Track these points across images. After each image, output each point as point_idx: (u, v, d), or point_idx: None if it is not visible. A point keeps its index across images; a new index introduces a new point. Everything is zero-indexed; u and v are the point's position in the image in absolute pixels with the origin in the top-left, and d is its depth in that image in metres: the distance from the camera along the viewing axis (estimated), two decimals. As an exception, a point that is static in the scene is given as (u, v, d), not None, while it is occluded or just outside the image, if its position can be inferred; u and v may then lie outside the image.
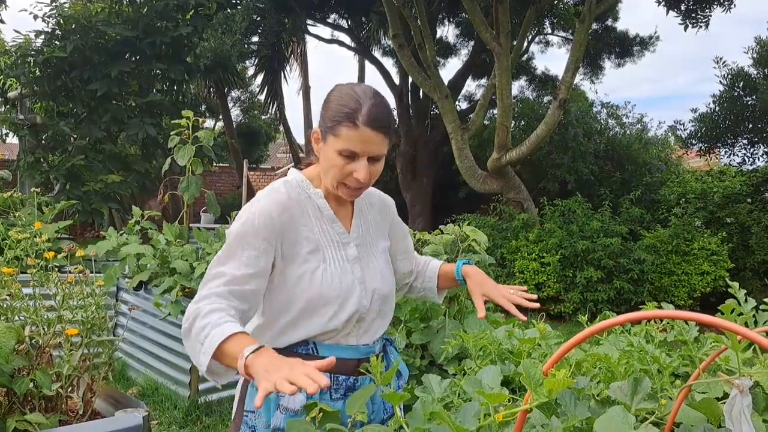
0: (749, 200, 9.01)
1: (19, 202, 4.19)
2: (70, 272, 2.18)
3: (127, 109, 9.22)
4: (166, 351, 4.20)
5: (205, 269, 3.61)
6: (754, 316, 2.43)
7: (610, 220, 8.41)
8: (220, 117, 14.90)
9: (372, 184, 1.55)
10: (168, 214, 8.49)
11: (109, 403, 2.21)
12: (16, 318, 2.16)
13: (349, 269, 1.57)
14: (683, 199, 8.93)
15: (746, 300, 2.37)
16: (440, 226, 3.20)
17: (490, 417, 1.64)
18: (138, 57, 9.32)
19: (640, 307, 3.06)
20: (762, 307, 2.48)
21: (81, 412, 2.17)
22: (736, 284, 2.42)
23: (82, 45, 8.63)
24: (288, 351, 1.51)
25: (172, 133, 4.28)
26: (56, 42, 8.80)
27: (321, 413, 1.47)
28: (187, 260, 3.76)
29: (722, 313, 2.40)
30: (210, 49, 9.76)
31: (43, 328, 2.14)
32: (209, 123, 16.91)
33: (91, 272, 2.41)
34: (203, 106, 11.71)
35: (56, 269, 2.19)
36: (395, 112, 13.88)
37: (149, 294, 4.09)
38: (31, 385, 2.04)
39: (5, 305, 2.13)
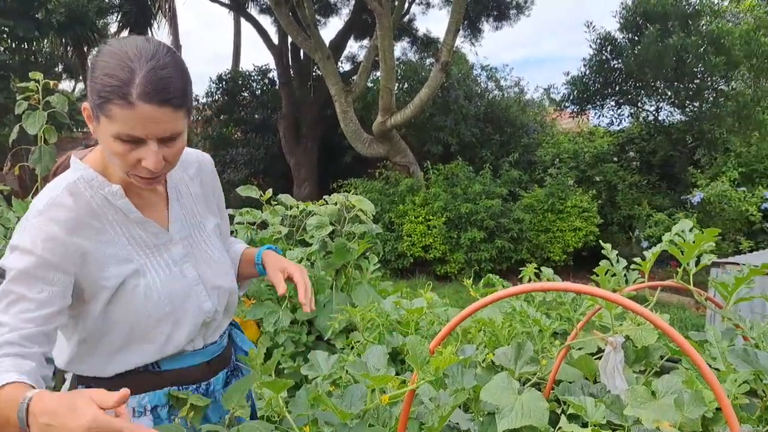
0: (616, 159, 9.65)
1: None
2: None
3: (-32, 71, 8.19)
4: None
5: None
6: (625, 275, 2.56)
7: (491, 183, 8.71)
8: (81, 78, 13.66)
9: (174, 164, 1.22)
10: (26, 188, 7.72)
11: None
12: None
13: (179, 274, 1.31)
14: (557, 160, 9.41)
15: (618, 260, 2.48)
16: (324, 196, 3.09)
17: (376, 399, 1.59)
18: (-21, 12, 8.26)
19: (520, 268, 3.14)
20: (632, 267, 2.60)
21: None
22: (608, 245, 2.51)
23: None
24: (123, 374, 1.28)
25: (19, 97, 3.80)
26: None
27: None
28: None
29: (596, 275, 2.48)
30: (64, 3, 8.81)
31: None
32: (68, 85, 15.47)
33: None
34: (60, 67, 10.65)
35: None
36: (275, 73, 13.42)
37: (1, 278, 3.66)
38: None
39: None
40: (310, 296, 1.43)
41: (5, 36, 8.55)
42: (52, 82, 3.78)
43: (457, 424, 1.75)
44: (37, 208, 1.18)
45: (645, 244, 7.71)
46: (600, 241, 2.50)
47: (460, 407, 1.86)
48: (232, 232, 3.05)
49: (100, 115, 1.11)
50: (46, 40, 9.33)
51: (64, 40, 11.33)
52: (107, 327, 1.23)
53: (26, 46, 8.67)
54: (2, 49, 8.49)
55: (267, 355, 1.68)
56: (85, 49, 12.34)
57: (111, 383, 1.24)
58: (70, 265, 1.16)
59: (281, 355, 2.62)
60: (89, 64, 1.17)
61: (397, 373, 1.94)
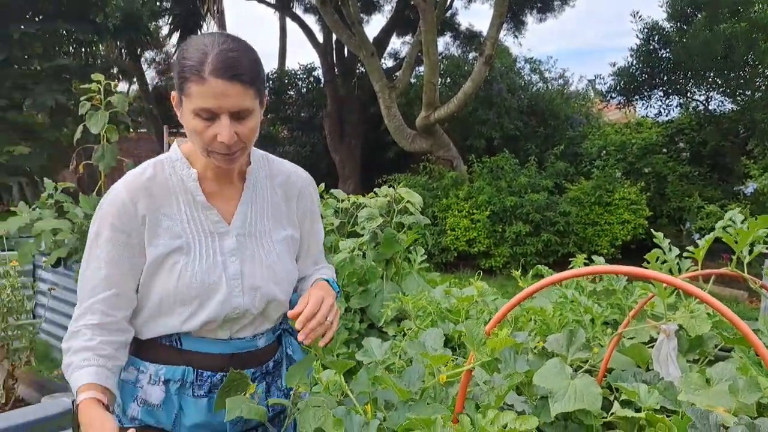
0: (665, 150, 9.45)
1: None
2: (-23, 254, 2.02)
3: (32, 74, 8.55)
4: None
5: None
6: (678, 263, 2.55)
7: (537, 175, 8.65)
8: (135, 80, 14.12)
9: (248, 145, 1.31)
10: (84, 186, 8.05)
11: (35, 389, 2.11)
12: None
13: (220, 264, 1.35)
14: (604, 152, 9.28)
15: (670, 249, 2.48)
16: (375, 189, 3.16)
17: (434, 378, 1.65)
18: (41, 17, 8.61)
19: (570, 260, 3.15)
20: (685, 254, 2.60)
21: (3, 401, 2.05)
22: (660, 234, 2.52)
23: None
24: (152, 341, 1.39)
25: (82, 98, 4.00)
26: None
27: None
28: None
29: (648, 262, 2.49)
30: (119, 7, 9.16)
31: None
32: (123, 86, 16.01)
33: (3, 251, 2.25)
34: (115, 69, 11.06)
35: (-39, 252, 2.02)
36: (320, 71, 13.57)
37: (69, 270, 3.87)
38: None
39: None
40: (312, 326, 1.32)
41: (66, 40, 8.92)
42: (113, 83, 3.95)
43: (512, 405, 1.80)
44: (120, 182, 1.34)
45: (696, 236, 7.53)
46: (650, 232, 2.49)
47: (513, 390, 1.91)
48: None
49: (182, 97, 1.24)
50: (102, 44, 9.70)
51: (119, 43, 11.74)
52: (144, 294, 1.34)
53: (84, 50, 9.02)
54: (63, 52, 8.85)
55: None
56: (138, 51, 12.76)
57: (143, 347, 1.39)
58: (134, 228, 1.30)
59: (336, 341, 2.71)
60: (175, 58, 1.29)
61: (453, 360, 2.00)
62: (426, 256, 3.39)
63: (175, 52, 16.28)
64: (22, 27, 8.14)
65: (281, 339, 1.56)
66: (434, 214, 8.64)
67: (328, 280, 1.52)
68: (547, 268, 2.80)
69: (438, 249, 8.40)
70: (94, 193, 4.09)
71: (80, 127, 4.09)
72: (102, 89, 3.94)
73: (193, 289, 1.32)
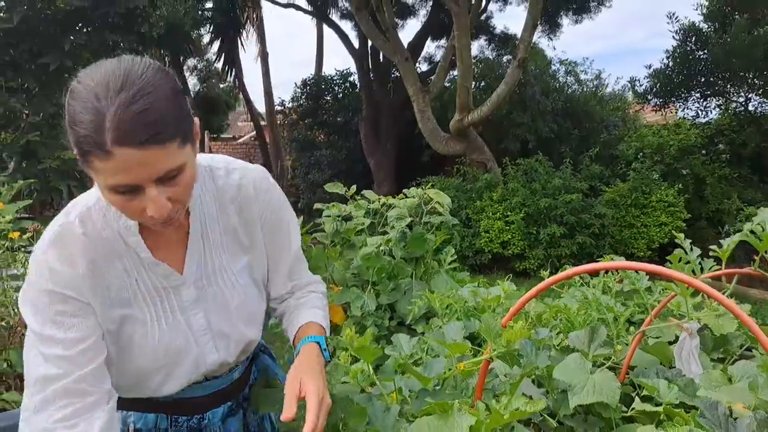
0: (704, 152, 9.30)
1: (-26, 183, 4.10)
2: (36, 252, 2.19)
3: (81, 83, 8.94)
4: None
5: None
6: (700, 263, 2.59)
7: (571, 177, 8.61)
8: (177, 88, 14.55)
9: (185, 203, 1.04)
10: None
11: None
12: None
13: (182, 322, 1.16)
14: (641, 154, 9.18)
15: (692, 249, 2.52)
16: (404, 190, 3.27)
17: (453, 370, 1.74)
18: (90, 28, 9.01)
19: (601, 260, 3.19)
20: (711, 253, 2.63)
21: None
22: (681, 235, 2.56)
23: (29, 16, 8.29)
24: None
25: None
26: (1, 14, 8.45)
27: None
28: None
29: (671, 263, 2.55)
30: (163, 18, 9.51)
31: (13, 309, 2.16)
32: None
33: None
34: (159, 77, 11.45)
35: (22, 249, 2.19)
36: (355, 76, 13.72)
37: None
38: (5, 365, 2.06)
39: (-29, 288, 2.14)
40: None
41: (113, 50, 9.29)
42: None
43: (531, 396, 1.88)
44: (46, 240, 1.07)
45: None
46: (684, 235, 2.52)
47: (533, 383, 1.99)
48: (318, 227, 3.26)
49: (85, 167, 0.94)
50: (147, 53, 10.08)
51: (162, 52, 12.17)
52: (107, 362, 1.10)
53: (129, 59, 9.41)
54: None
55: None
56: (181, 59, 13.18)
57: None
58: (83, 294, 1.06)
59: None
60: (65, 113, 0.94)
61: (474, 355, 2.08)
62: (456, 257, 3.47)
63: (216, 59, 16.49)
64: (72, 38, 8.52)
65: (253, 359, 1.44)
66: (468, 216, 8.68)
67: (319, 342, 1.28)
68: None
69: (472, 251, 8.44)
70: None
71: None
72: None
73: (159, 359, 1.14)
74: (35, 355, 1.02)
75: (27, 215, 4.80)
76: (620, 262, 2.12)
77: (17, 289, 2.22)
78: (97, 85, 0.90)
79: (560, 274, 1.76)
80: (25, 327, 2.17)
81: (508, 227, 8.30)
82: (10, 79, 8.80)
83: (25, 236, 2.42)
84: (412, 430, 1.30)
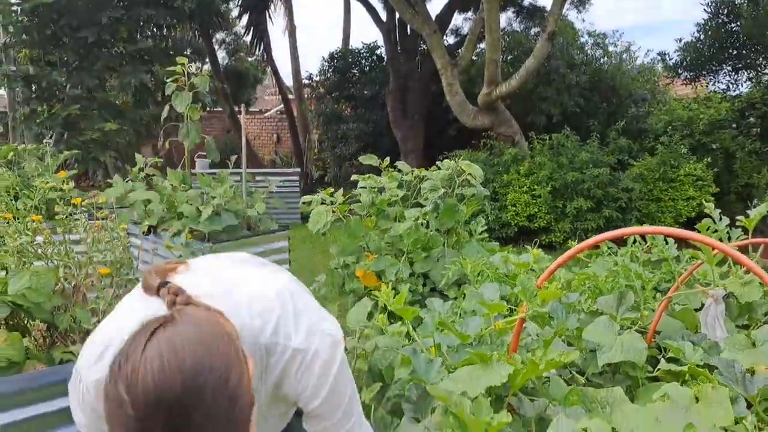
0: (734, 126, 9.18)
1: (23, 152, 4.30)
2: (97, 218, 2.35)
3: (117, 56, 9.17)
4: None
5: (212, 212, 3.74)
6: (728, 232, 2.66)
7: (599, 151, 8.58)
8: (207, 60, 14.72)
9: None
10: (170, 161, 8.59)
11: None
12: (49, 262, 2.33)
13: None
14: (670, 127, 9.09)
15: (720, 219, 2.59)
16: (437, 162, 3.37)
17: (490, 327, 1.86)
18: (126, 2, 9.19)
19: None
20: (738, 223, 2.70)
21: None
22: (711, 204, 2.63)
23: (68, -9, 8.47)
24: None
25: (168, 79, 4.35)
26: (41, -10, 8.64)
27: None
28: (192, 204, 3.92)
29: (699, 231, 2.63)
30: (195, -9, 9.70)
31: (76, 270, 2.32)
32: (194, 66, 16.67)
33: (104, 219, 2.57)
34: (189, 50, 11.65)
35: (84, 214, 2.35)
36: (383, 50, 13.69)
37: (158, 238, 4.26)
38: (71, 320, 2.23)
39: (40, 250, 2.31)
40: None
41: (147, 24, 9.48)
42: (197, 66, 4.28)
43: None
44: (79, 376, 1.00)
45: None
46: (714, 207, 2.57)
47: (563, 341, 2.10)
48: (354, 198, 3.37)
49: None
50: (179, 27, 10.24)
51: (192, 25, 12.32)
52: None
53: (161, 33, 9.59)
54: (144, 36, 9.42)
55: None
56: (210, 32, 13.31)
57: None
58: None
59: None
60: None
61: (507, 316, 2.20)
62: (486, 227, 3.56)
63: (245, 33, 16.38)
64: (109, 12, 8.71)
65: None
66: (495, 189, 8.73)
67: None
68: (607, 242, 2.94)
69: (498, 224, 8.50)
70: (179, 167, 4.46)
71: (167, 107, 4.46)
72: (185, 71, 4.28)
73: None
74: None
75: (71, 185, 5.02)
76: (649, 227, 2.20)
77: (78, 252, 2.38)
78: (132, 397, 0.74)
79: (590, 240, 1.87)
80: (86, 287, 2.28)
81: (534, 201, 8.34)
82: (49, 52, 9.04)
83: (84, 202, 2.59)
84: (454, 377, 1.43)
